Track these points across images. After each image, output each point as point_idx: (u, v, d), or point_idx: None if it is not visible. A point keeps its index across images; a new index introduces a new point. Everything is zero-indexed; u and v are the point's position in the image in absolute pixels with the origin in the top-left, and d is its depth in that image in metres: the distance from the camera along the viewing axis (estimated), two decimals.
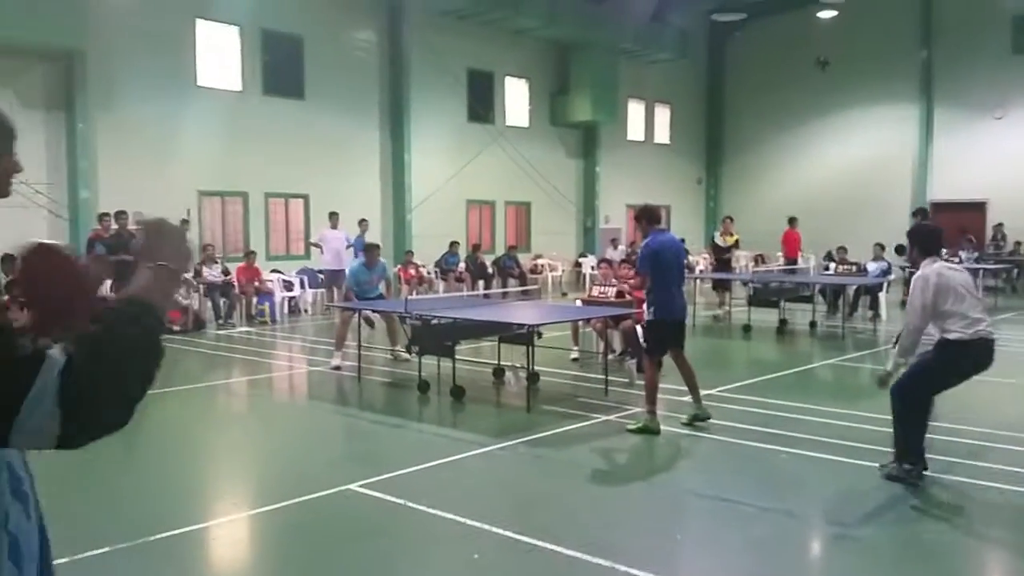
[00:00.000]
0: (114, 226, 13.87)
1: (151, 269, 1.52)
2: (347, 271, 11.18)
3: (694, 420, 7.33)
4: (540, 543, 4.64)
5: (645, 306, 7.41)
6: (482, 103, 22.70)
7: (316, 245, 16.74)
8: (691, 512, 5.42)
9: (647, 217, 7.39)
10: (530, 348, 8.45)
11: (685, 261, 7.97)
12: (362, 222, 17.38)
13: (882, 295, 14.88)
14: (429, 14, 20.78)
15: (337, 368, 10.14)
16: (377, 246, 11.31)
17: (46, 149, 15.37)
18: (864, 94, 26.86)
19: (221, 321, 14.30)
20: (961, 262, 19.36)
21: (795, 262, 18.20)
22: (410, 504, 5.27)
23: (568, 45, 24.12)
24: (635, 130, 27.87)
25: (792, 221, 18.51)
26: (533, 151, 23.78)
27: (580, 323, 10.72)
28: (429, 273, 19.08)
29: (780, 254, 19.79)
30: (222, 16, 17.54)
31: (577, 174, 25.82)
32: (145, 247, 1.55)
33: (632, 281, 10.33)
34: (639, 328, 9.80)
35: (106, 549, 4.53)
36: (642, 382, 8.78)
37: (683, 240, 19.94)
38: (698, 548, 4.81)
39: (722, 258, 16.57)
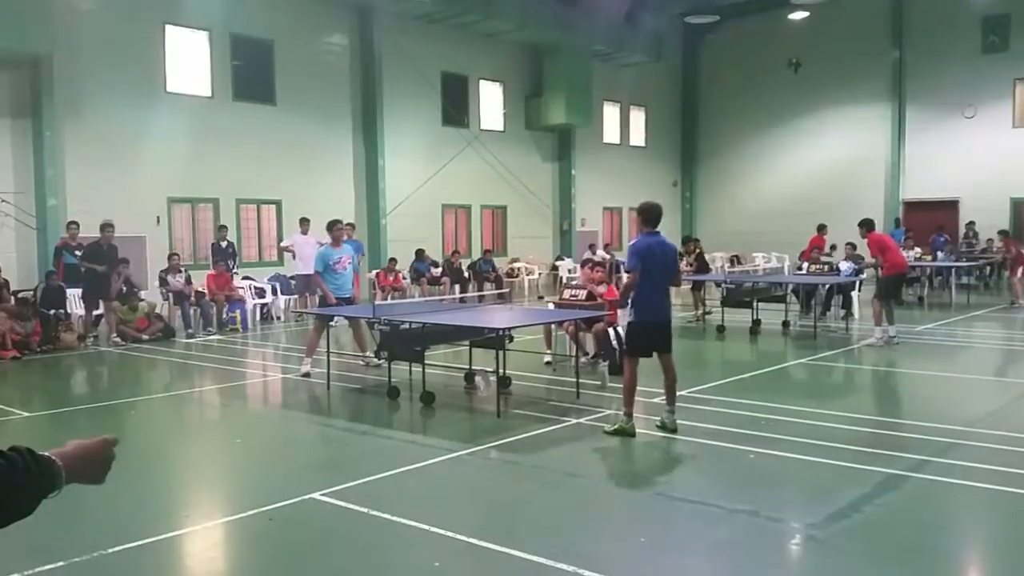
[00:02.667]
0: (84, 234, 13.64)
1: (86, 451, 1.75)
2: (317, 256, 10.88)
3: (661, 428, 7.19)
4: (504, 549, 4.57)
5: (628, 307, 7.35)
6: (456, 107, 22.64)
7: (287, 250, 16.59)
8: (659, 515, 5.37)
9: (642, 217, 7.28)
10: (502, 352, 8.38)
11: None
12: (348, 226, 17.19)
13: (855, 294, 14.94)
14: (400, 18, 20.71)
15: (306, 375, 10.01)
16: (338, 221, 11.01)
17: (12, 157, 15.17)
18: (836, 95, 27.08)
19: (191, 330, 14.12)
20: (935, 260, 19.63)
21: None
22: (373, 512, 5.18)
23: (542, 48, 24.12)
24: (610, 133, 27.92)
25: (821, 228, 18.58)
26: (508, 154, 23.76)
27: (553, 326, 10.66)
28: (405, 279, 19.00)
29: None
30: (191, 21, 17.38)
31: (553, 177, 25.81)
32: (79, 459, 1.73)
33: (600, 287, 10.32)
34: (611, 330, 9.79)
35: (60, 564, 4.41)
36: (614, 385, 8.77)
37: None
38: (664, 551, 4.75)
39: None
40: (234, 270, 16.19)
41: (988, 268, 21.38)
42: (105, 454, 1.79)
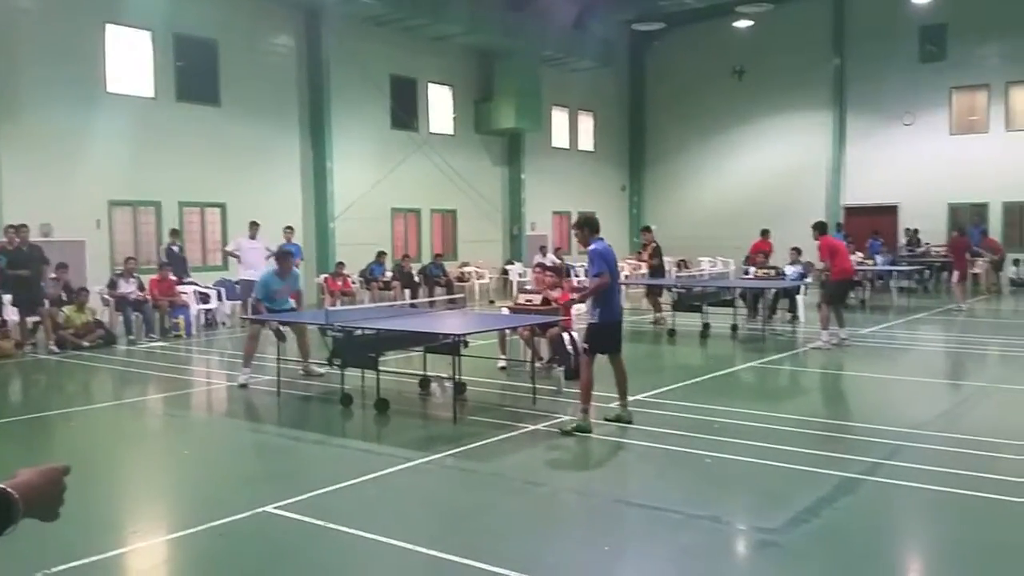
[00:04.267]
0: (16, 240, 13.19)
1: (39, 482, 1.64)
2: (258, 281, 10.67)
3: (616, 420, 7.50)
4: (464, 560, 4.48)
5: (589, 308, 7.54)
6: (405, 110, 22.47)
7: (232, 254, 16.25)
8: (619, 522, 5.34)
9: (590, 226, 7.63)
10: (457, 358, 8.30)
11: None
12: (287, 229, 16.98)
13: (800, 297, 15.19)
14: (348, 20, 20.47)
15: (244, 386, 9.70)
16: (290, 253, 10.92)
17: None
18: (779, 102, 27.57)
19: (133, 336, 13.73)
20: (876, 264, 20.08)
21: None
22: (328, 525, 5.05)
23: (491, 52, 24.07)
24: (559, 138, 28.00)
25: (765, 233, 18.78)
26: (458, 158, 23.66)
27: (507, 331, 10.60)
28: (354, 283, 18.76)
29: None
30: (133, 20, 16.93)
31: (503, 181, 25.78)
32: (33, 490, 1.62)
33: (555, 291, 10.31)
34: (566, 335, 9.77)
35: None
36: (570, 390, 8.76)
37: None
38: (627, 559, 4.72)
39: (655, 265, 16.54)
40: (188, 276, 15.88)
41: (927, 272, 21.95)
42: (59, 486, 1.68)
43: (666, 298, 15.10)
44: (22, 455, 7.32)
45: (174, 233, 16.48)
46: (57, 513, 1.66)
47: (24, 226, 13.32)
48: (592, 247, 7.48)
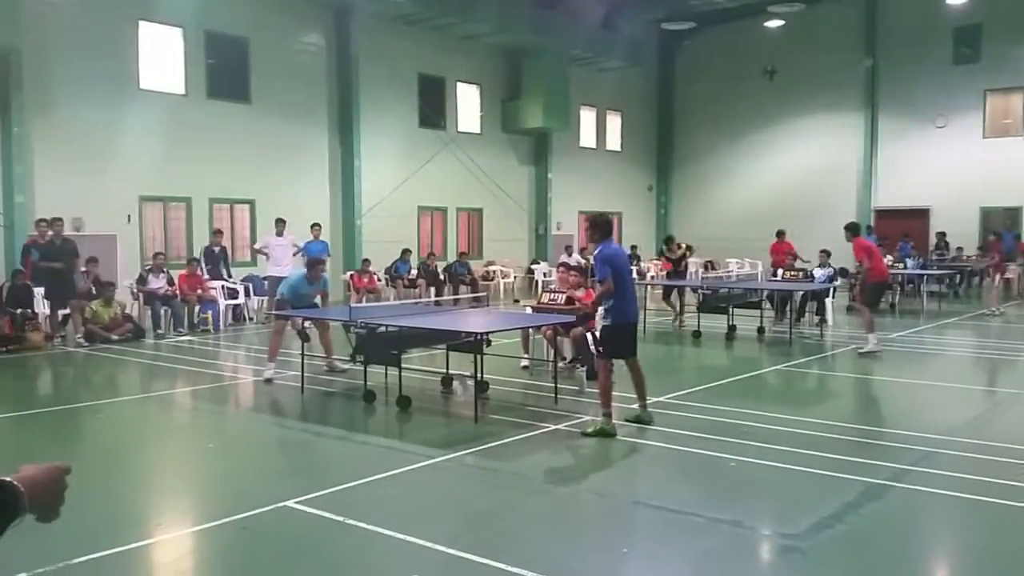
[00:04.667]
0: (50, 233, 13.37)
1: (42, 478, 1.62)
2: (287, 280, 10.73)
3: (637, 421, 7.46)
4: (483, 560, 4.47)
5: (602, 311, 7.45)
6: (433, 108, 22.52)
7: (261, 252, 16.38)
8: (639, 524, 5.31)
9: (602, 229, 7.50)
10: (479, 356, 8.30)
11: (635, 267, 8.06)
12: (315, 226, 17.08)
13: (828, 301, 15.02)
14: (378, 18, 20.56)
15: (269, 381, 9.78)
16: (321, 262, 10.96)
17: None
18: (810, 103, 27.29)
19: (161, 331, 13.88)
20: (906, 268, 19.82)
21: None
22: (349, 521, 5.07)
23: (519, 51, 24.06)
24: (587, 137, 27.93)
25: (780, 234, 18.60)
26: (485, 157, 23.68)
27: (530, 330, 10.59)
28: (380, 281, 18.83)
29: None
30: (165, 18, 17.13)
31: (529, 181, 25.77)
32: (37, 486, 1.61)
33: (579, 291, 10.27)
34: (589, 335, 9.73)
35: (23, 575, 4.26)
36: (592, 390, 8.72)
37: (634, 247, 20.02)
38: (646, 563, 4.69)
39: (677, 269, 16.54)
40: (229, 277, 16.06)
41: (958, 276, 21.63)
42: (61, 484, 1.67)
43: (690, 300, 15.01)
44: (51, 446, 7.43)
45: (217, 233, 16.62)
46: (58, 512, 1.64)
47: (59, 220, 13.49)
48: (598, 250, 7.38)
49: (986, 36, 24.40)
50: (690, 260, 20.94)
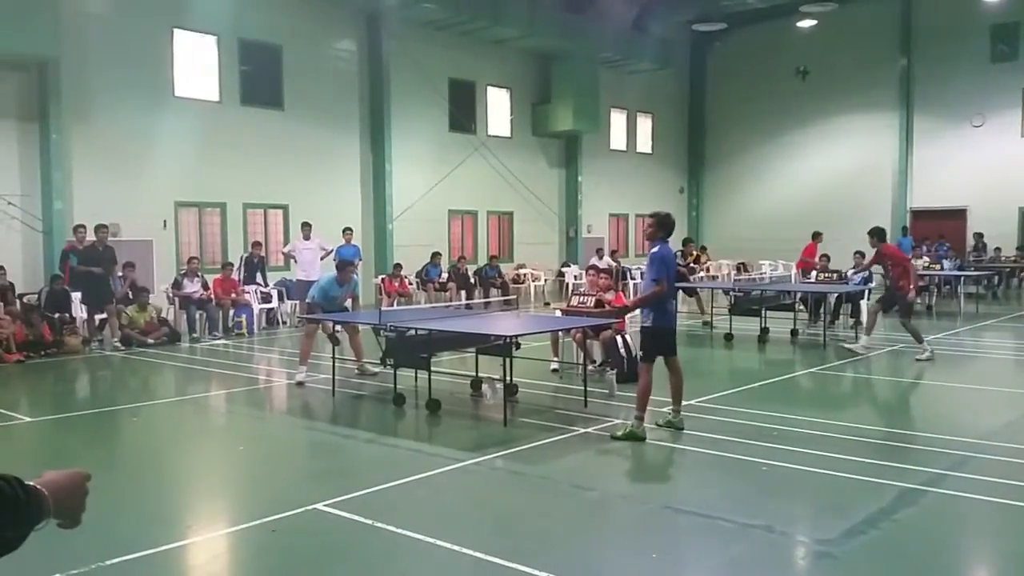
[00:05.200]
0: (90, 238, 13.61)
1: (66, 483, 1.63)
2: (317, 283, 10.82)
3: (668, 426, 7.41)
4: (512, 564, 4.46)
5: (643, 312, 7.37)
6: (464, 113, 22.58)
7: (289, 256, 16.49)
8: (669, 528, 5.27)
9: (667, 230, 7.39)
10: (508, 359, 8.30)
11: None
12: (346, 231, 17.20)
13: (863, 303, 14.80)
14: (408, 24, 20.67)
15: (300, 384, 9.88)
16: (351, 263, 11.03)
17: (19, 160, 15.12)
18: (844, 103, 26.96)
19: (196, 334, 14.06)
20: (943, 269, 19.51)
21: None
22: (378, 524, 5.09)
23: (549, 55, 24.06)
24: (617, 139, 27.84)
25: (816, 235, 18.43)
26: (515, 161, 23.70)
27: (560, 333, 10.57)
28: (411, 284, 18.93)
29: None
30: (199, 26, 17.35)
31: (559, 183, 25.74)
32: (61, 491, 1.62)
33: (608, 294, 10.23)
34: (619, 338, 9.70)
35: None
36: (622, 393, 8.69)
37: (689, 240, 19.93)
38: (676, 568, 4.65)
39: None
40: (265, 284, 16.40)
41: (996, 277, 21.24)
42: (83, 490, 1.68)
43: (721, 302, 14.89)
44: (88, 449, 7.56)
45: (256, 245, 16.84)
46: (79, 519, 1.65)
47: (103, 226, 13.70)
48: (655, 250, 7.29)
49: None
50: (721, 262, 20.88)
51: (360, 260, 16.81)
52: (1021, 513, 5.39)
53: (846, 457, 6.49)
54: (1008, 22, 24.08)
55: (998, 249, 23.21)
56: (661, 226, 7.38)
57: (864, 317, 14.65)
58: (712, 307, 14.99)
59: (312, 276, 13.98)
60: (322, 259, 15.78)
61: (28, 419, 8.57)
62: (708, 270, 16.85)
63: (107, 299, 13.41)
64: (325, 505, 5.42)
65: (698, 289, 15.72)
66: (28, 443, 7.64)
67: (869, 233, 12.15)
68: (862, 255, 15.82)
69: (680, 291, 15.34)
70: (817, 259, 17.04)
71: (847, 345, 12.02)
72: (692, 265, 16.80)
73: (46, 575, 4.31)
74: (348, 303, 10.62)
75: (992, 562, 4.92)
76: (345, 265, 10.65)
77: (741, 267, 24.19)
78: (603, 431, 7.43)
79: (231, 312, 14.90)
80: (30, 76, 15.13)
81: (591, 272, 11.40)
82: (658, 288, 7.15)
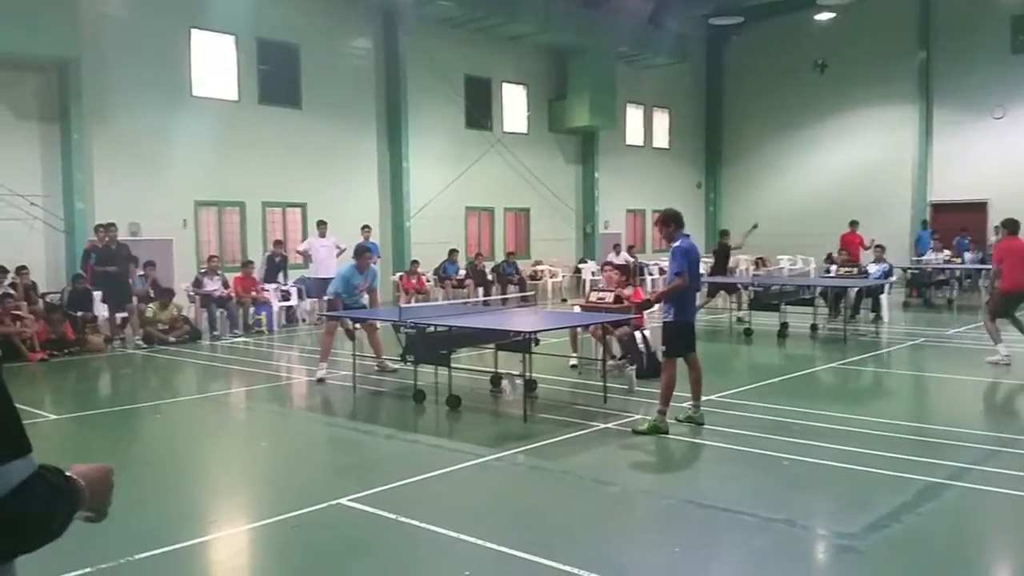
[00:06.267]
0: (106, 238, 13.74)
1: (95, 475, 1.63)
2: (337, 275, 10.88)
3: (688, 421, 7.39)
4: (534, 558, 4.48)
5: (663, 307, 7.37)
6: (480, 109, 22.59)
7: (304, 254, 16.52)
8: (691, 523, 5.26)
9: (675, 222, 7.40)
10: (528, 355, 8.30)
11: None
12: (365, 228, 17.26)
13: (884, 297, 14.73)
14: (424, 21, 20.70)
15: (321, 381, 9.94)
16: (368, 249, 11.08)
17: (41, 160, 15.26)
18: (863, 96, 26.74)
19: (217, 332, 14.17)
20: (964, 262, 19.36)
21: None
22: (401, 518, 5.12)
23: (565, 50, 24.02)
24: (634, 135, 27.76)
25: (853, 224, 18.31)
26: (532, 157, 23.69)
27: (579, 329, 10.57)
28: (428, 281, 18.97)
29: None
30: (217, 25, 17.44)
31: (576, 179, 25.70)
32: (92, 483, 1.62)
33: (627, 290, 10.22)
34: (638, 334, 9.68)
35: (87, 570, 4.38)
36: (642, 389, 8.69)
37: (724, 231, 19.89)
38: (698, 562, 4.65)
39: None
40: (286, 283, 16.61)
41: None
42: (109, 483, 1.69)
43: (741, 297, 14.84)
44: (112, 446, 7.64)
45: (277, 243, 16.98)
46: (106, 512, 1.66)
47: (112, 225, 13.87)
48: (676, 244, 7.27)
49: None
50: (740, 257, 20.73)
51: (379, 257, 16.86)
52: None
53: (868, 451, 6.46)
54: None
55: None
56: (667, 221, 7.41)
57: (885, 313, 14.56)
58: (730, 303, 14.95)
59: (328, 274, 14.07)
60: (337, 256, 15.83)
61: (52, 416, 8.66)
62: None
63: (127, 298, 13.53)
64: (349, 500, 5.45)
65: (739, 285, 15.44)
66: (53, 441, 7.72)
67: (1002, 225, 11.08)
68: (882, 248, 15.75)
69: (720, 289, 15.30)
70: (867, 241, 17.15)
71: (989, 359, 10.58)
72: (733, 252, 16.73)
73: (75, 568, 4.37)
74: (365, 299, 10.66)
75: (1017, 557, 4.88)
76: (363, 251, 10.69)
77: (760, 262, 24.08)
78: (623, 427, 7.43)
79: (251, 310, 15.00)
80: (50, 77, 15.27)
81: (607, 268, 11.40)
82: (679, 281, 7.14)
